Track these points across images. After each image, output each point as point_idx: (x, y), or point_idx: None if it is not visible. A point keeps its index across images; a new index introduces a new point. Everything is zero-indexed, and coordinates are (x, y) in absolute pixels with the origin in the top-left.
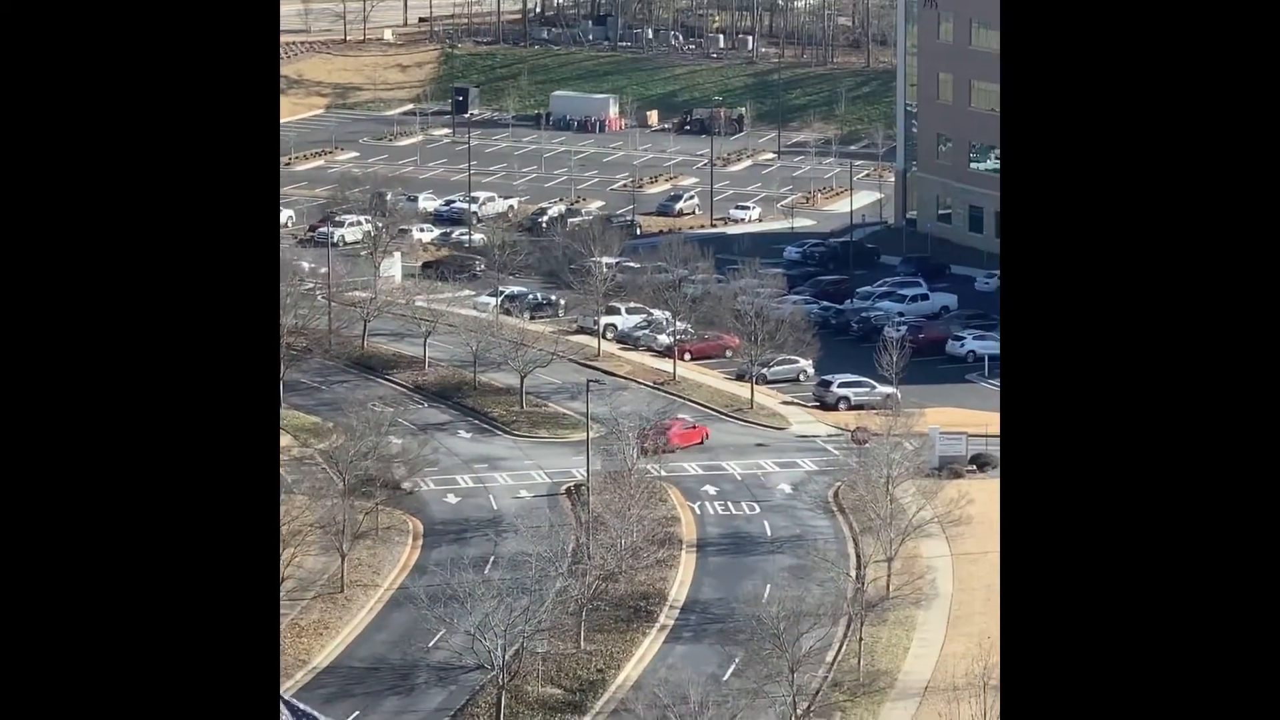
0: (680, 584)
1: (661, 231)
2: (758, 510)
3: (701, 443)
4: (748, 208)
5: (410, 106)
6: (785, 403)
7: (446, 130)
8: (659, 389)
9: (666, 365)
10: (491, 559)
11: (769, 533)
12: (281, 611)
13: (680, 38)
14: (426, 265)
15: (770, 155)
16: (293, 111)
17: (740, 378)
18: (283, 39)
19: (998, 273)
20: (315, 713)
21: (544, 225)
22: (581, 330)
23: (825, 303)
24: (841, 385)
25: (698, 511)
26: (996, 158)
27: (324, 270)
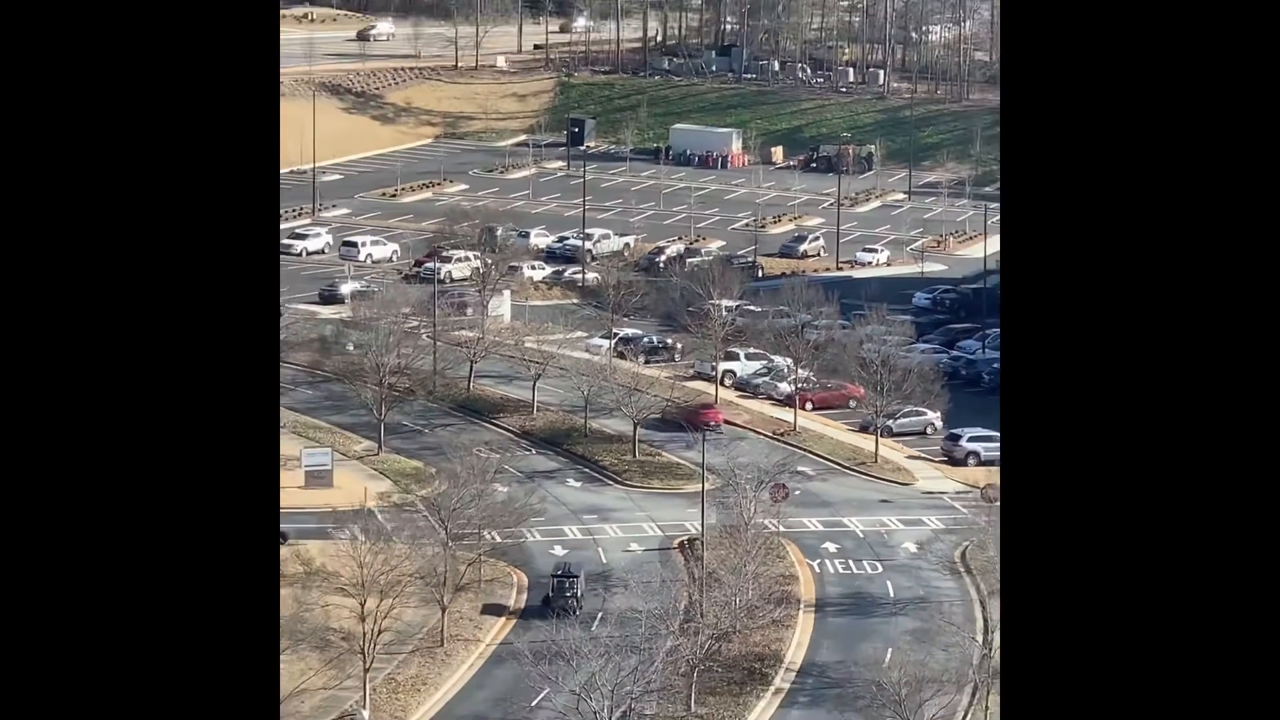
0: (797, 646)
1: (785, 274)
2: (880, 570)
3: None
4: (875, 250)
5: (523, 138)
6: (911, 457)
7: (561, 163)
8: (778, 439)
9: (787, 415)
10: (599, 615)
11: (892, 594)
12: (378, 665)
13: (808, 70)
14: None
15: (900, 196)
16: (401, 141)
17: (864, 430)
18: (393, 65)
19: None
20: None
21: (661, 265)
22: (699, 376)
23: (955, 352)
24: (971, 439)
25: (817, 570)
26: None
27: (429, 308)
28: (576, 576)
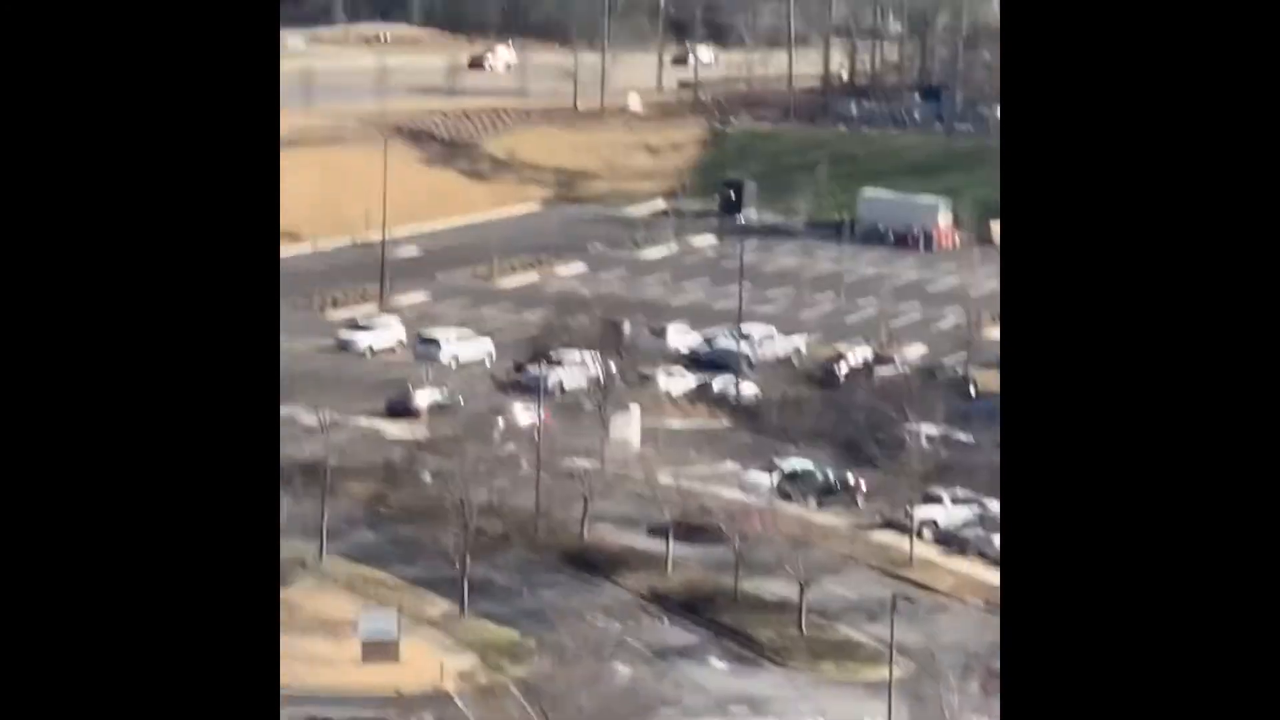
0: None
1: None
2: None
3: None
4: None
5: (661, 204)
6: None
7: (711, 238)
8: (995, 612)
9: None
10: None
11: None
12: None
13: None
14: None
15: None
16: (499, 204)
17: None
18: (493, 104)
19: None
20: None
21: (841, 376)
22: (889, 525)
23: None
24: None
25: None
26: None
27: (531, 427)
28: None
